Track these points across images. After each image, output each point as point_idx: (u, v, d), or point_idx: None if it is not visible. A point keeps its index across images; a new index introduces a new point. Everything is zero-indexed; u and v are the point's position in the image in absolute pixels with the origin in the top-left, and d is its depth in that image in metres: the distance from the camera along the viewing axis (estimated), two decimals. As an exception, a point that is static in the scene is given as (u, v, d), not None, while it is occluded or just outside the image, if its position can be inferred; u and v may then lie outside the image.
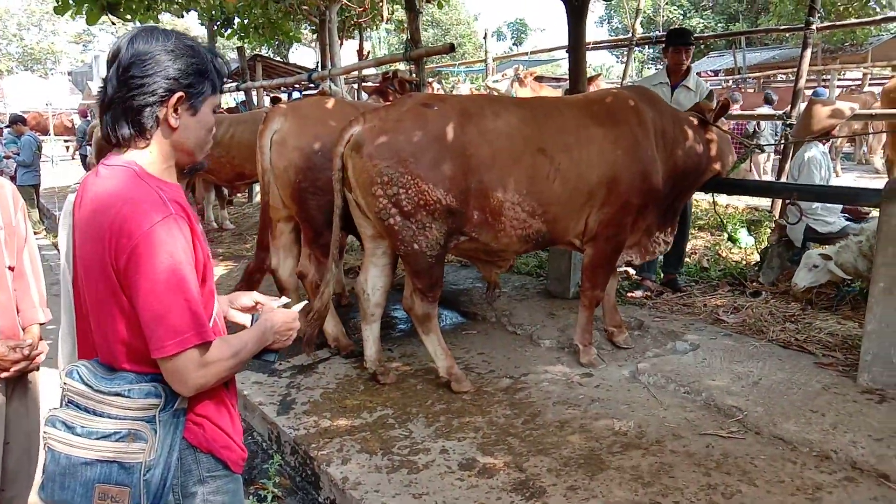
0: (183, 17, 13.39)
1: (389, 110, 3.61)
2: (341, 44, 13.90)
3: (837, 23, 10.87)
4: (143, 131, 1.52)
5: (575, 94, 4.72)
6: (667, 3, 27.49)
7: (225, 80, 1.66)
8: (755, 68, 17.78)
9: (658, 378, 3.75)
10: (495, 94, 10.91)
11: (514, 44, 39.13)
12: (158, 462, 1.50)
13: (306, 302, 2.13)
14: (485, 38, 11.82)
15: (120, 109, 1.51)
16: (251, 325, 1.78)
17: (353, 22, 13.96)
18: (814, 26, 6.59)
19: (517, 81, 10.91)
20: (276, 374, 4.16)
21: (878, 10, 14.80)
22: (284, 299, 1.90)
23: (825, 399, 3.36)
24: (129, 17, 6.66)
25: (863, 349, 3.50)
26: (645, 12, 26.81)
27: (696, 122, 4.14)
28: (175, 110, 1.53)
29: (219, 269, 6.88)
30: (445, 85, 15.81)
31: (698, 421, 3.31)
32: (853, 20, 11.64)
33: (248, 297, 1.87)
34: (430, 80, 13.13)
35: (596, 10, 36.25)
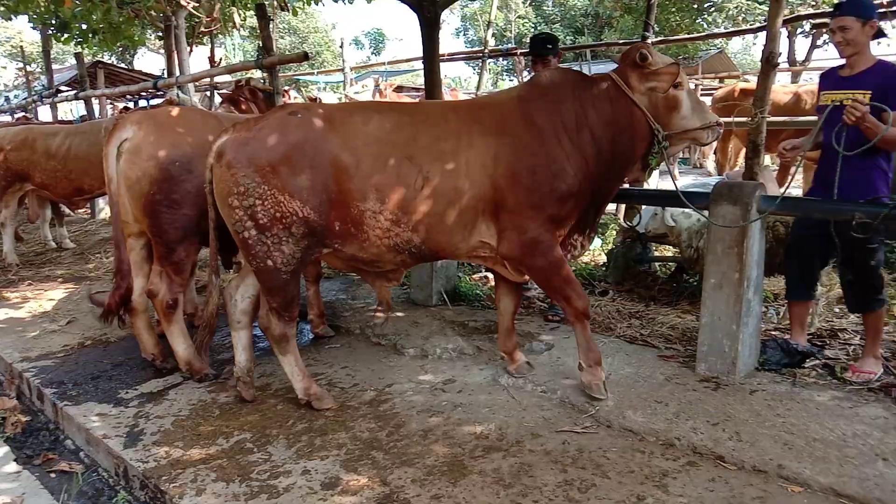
0: (11, 20, 12.32)
1: (258, 119, 3.50)
2: (191, 50, 13.30)
3: (670, 38, 11.77)
4: None
5: (467, 99, 4.45)
6: (518, 17, 28.60)
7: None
8: (600, 79, 18.81)
9: (516, 379, 3.86)
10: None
11: (372, 53, 39.23)
12: None
13: None
14: (342, 47, 11.74)
15: None
16: None
17: (202, 28, 13.40)
18: (649, 41, 7.09)
19: (378, 93, 10.93)
20: (123, 404, 3.89)
21: (705, 26, 16.20)
22: None
23: (668, 389, 3.60)
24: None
25: (699, 341, 3.78)
26: (497, 25, 27.76)
27: (609, 91, 3.48)
28: None
29: (58, 293, 6.34)
30: (305, 93, 15.51)
31: (555, 419, 3.43)
32: (684, 36, 12.65)
33: None
34: (287, 88, 12.84)
35: (452, 22, 37.07)
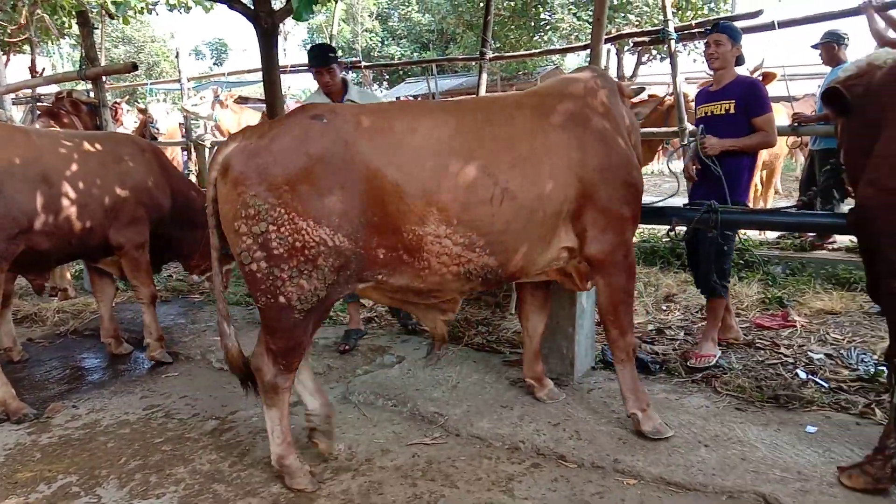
0: None
1: (273, 123, 2.84)
2: (7, 60, 12.13)
3: (506, 54, 12.28)
4: None
5: (516, 93, 3.57)
6: (364, 31, 28.68)
7: None
8: (447, 94, 19.35)
9: (367, 395, 3.82)
10: (195, 117, 10.37)
11: (214, 63, 37.75)
12: None
13: None
14: (177, 57, 11.15)
15: None
16: None
17: (5, 38, 12.23)
18: (487, 56, 7.34)
19: (218, 104, 10.48)
20: (-77, 457, 3.43)
21: (541, 44, 17.04)
22: None
23: (513, 394, 3.70)
24: None
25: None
26: (344, 38, 27.67)
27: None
28: None
29: None
30: (141, 104, 14.62)
31: (405, 432, 3.42)
32: (522, 52, 13.24)
33: None
34: (118, 100, 12.03)
35: (298, 34, 36.51)
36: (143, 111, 11.26)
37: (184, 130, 10.47)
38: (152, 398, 4.01)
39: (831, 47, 6.08)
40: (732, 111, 4.02)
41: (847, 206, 3.09)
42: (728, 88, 4.08)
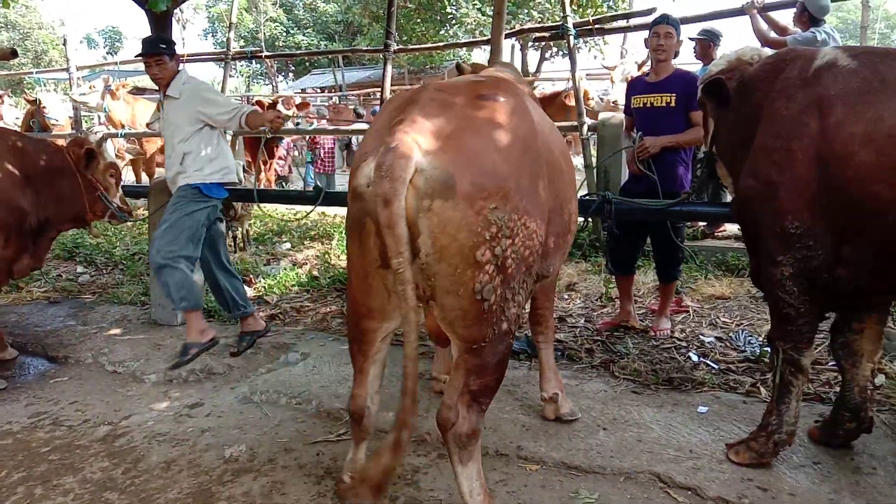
0: None
1: (442, 111, 2.23)
2: None
3: (410, 46, 12.28)
4: None
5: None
6: (269, 20, 27.96)
7: None
8: (354, 86, 19.20)
9: (270, 394, 3.73)
10: (85, 107, 9.82)
11: (108, 52, 35.88)
12: None
13: None
14: (65, 44, 10.53)
15: None
16: None
17: None
18: (391, 49, 7.32)
19: (109, 94, 9.96)
20: None
21: (447, 37, 17.14)
22: None
23: (420, 385, 3.69)
24: None
25: (446, 336, 3.93)
26: (247, 28, 26.91)
27: None
28: None
29: None
30: (30, 94, 13.75)
31: (309, 430, 3.36)
32: (429, 45, 13.27)
33: None
34: (1, 92, 11.25)
35: (199, 23, 35.27)
36: (34, 102, 10.49)
37: (73, 122, 9.90)
38: (39, 405, 3.77)
39: (707, 44, 6.44)
40: (673, 104, 4.17)
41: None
42: (669, 81, 4.22)
